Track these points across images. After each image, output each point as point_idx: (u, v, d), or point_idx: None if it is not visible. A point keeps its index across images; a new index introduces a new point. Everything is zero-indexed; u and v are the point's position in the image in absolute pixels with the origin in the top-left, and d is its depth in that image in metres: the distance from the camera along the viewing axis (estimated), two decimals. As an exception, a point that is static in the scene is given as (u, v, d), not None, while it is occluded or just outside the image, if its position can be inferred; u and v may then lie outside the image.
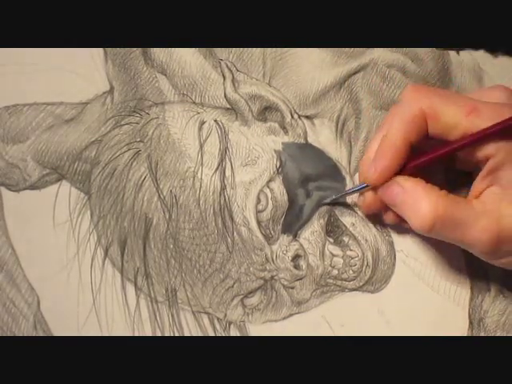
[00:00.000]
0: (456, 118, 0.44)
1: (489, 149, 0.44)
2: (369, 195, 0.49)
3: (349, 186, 0.52)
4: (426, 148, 0.47)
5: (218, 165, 0.51)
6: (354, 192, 0.50)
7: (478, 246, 0.44)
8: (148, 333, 0.50)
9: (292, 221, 0.51)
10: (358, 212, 0.52)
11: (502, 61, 0.55)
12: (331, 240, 0.51)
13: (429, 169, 0.47)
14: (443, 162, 0.49)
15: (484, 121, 0.44)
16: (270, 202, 0.50)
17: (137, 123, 0.52)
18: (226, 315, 0.51)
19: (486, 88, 0.50)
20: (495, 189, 0.45)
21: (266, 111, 0.53)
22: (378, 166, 0.46)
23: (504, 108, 0.44)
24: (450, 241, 0.46)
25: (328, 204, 0.51)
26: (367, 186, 0.48)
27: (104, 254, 0.51)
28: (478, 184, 0.46)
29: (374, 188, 0.48)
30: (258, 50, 0.54)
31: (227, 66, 0.53)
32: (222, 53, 0.54)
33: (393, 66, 0.54)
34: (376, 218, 0.51)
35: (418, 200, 0.45)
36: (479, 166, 0.46)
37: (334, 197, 0.51)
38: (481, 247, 0.44)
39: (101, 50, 0.53)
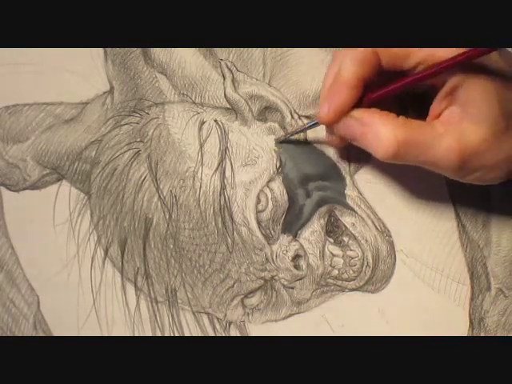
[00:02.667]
0: (406, 49, 0.45)
1: (446, 73, 0.44)
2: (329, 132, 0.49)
3: (349, 185, 0.52)
4: (381, 80, 0.47)
5: (218, 165, 0.51)
6: (305, 129, 0.50)
7: (444, 166, 0.45)
8: (148, 333, 0.50)
9: (292, 221, 0.51)
10: (358, 212, 0.52)
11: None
12: (331, 240, 0.51)
13: (383, 100, 0.47)
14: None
15: (433, 48, 0.44)
16: (270, 202, 0.50)
17: (137, 123, 0.52)
18: (226, 315, 0.51)
19: None
20: (455, 108, 0.45)
21: (266, 111, 0.53)
22: (332, 104, 0.46)
23: None
24: (417, 164, 0.46)
25: (280, 142, 0.51)
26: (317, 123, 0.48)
27: (104, 254, 0.51)
28: (436, 105, 0.46)
29: (329, 125, 0.48)
30: (258, 49, 0.54)
31: (227, 65, 0.53)
32: (221, 53, 0.54)
33: (393, 66, 0.54)
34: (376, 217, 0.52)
35: (377, 129, 0.44)
36: (436, 90, 0.46)
37: (285, 134, 0.51)
38: (447, 166, 0.44)
39: (101, 49, 0.53)
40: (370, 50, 0.46)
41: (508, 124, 0.44)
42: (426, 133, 0.44)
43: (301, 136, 0.53)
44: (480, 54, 0.43)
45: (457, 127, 0.44)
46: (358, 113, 0.46)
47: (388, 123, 0.44)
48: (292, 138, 0.52)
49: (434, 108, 0.46)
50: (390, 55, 0.45)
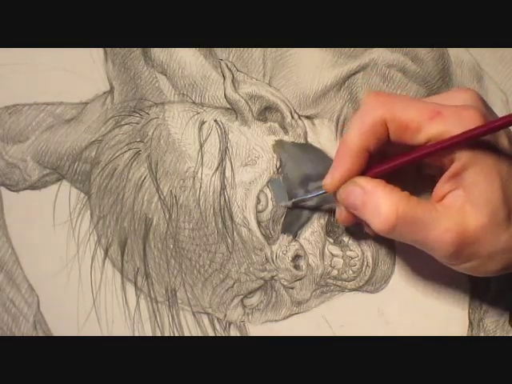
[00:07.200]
0: (419, 122, 0.43)
1: (452, 153, 0.43)
2: (343, 208, 0.48)
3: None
4: (390, 153, 0.46)
5: (218, 165, 0.51)
6: (313, 197, 0.50)
7: (440, 248, 0.43)
8: (148, 333, 0.50)
9: (292, 221, 0.51)
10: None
11: (502, 60, 0.55)
12: (331, 240, 0.51)
13: (391, 172, 0.46)
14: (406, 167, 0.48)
15: (447, 125, 0.42)
16: (270, 202, 0.51)
17: (137, 123, 0.52)
18: (225, 315, 0.51)
19: (451, 90, 0.49)
20: (458, 192, 0.43)
21: (266, 111, 0.53)
22: (335, 172, 0.46)
23: (466, 111, 0.43)
24: (413, 243, 0.45)
25: (286, 207, 0.50)
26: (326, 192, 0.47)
27: (104, 254, 0.51)
28: (440, 187, 0.44)
29: (334, 194, 0.47)
30: (259, 49, 0.54)
31: (227, 65, 0.53)
32: (222, 53, 0.54)
33: (393, 66, 0.54)
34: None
35: (379, 200, 0.43)
36: (443, 169, 0.45)
37: (292, 200, 0.50)
38: (443, 249, 0.43)
39: (101, 49, 0.53)
40: (378, 119, 0.44)
41: (509, 213, 0.43)
42: (427, 212, 0.43)
43: (301, 136, 0.53)
44: (488, 131, 0.42)
45: (458, 211, 0.43)
46: (362, 181, 0.45)
47: (391, 196, 0.44)
48: (292, 139, 0.52)
49: (438, 189, 0.45)
50: (401, 126, 0.44)
